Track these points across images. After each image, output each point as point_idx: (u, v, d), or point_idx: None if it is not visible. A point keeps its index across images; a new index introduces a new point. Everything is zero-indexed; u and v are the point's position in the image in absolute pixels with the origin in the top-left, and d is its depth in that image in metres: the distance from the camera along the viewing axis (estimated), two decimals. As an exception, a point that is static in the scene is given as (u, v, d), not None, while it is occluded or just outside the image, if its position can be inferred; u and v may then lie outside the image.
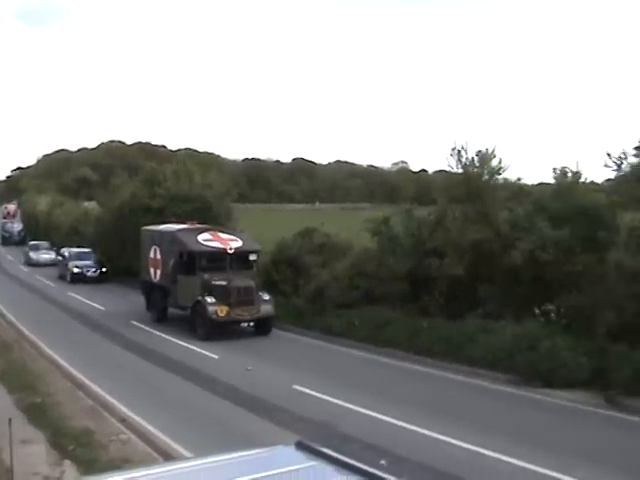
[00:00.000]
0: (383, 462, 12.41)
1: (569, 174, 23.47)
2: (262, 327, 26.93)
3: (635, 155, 22.13)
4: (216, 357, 23.12)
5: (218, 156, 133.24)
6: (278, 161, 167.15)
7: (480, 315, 23.47)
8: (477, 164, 24.92)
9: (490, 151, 24.93)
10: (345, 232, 31.67)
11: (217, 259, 27.96)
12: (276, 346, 25.27)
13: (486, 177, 24.90)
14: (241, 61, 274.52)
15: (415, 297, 25.05)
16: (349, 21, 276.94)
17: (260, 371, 21.07)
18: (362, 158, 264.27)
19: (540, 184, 32.38)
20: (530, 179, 40.83)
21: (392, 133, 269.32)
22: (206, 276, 27.09)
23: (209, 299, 26.13)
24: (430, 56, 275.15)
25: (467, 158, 24.90)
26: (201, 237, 28.56)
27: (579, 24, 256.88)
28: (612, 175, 22.67)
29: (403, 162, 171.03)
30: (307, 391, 18.62)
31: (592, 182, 25.37)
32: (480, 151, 25.00)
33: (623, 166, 21.50)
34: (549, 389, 18.71)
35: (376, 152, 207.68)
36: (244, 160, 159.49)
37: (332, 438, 14.05)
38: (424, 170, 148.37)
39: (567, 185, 23.22)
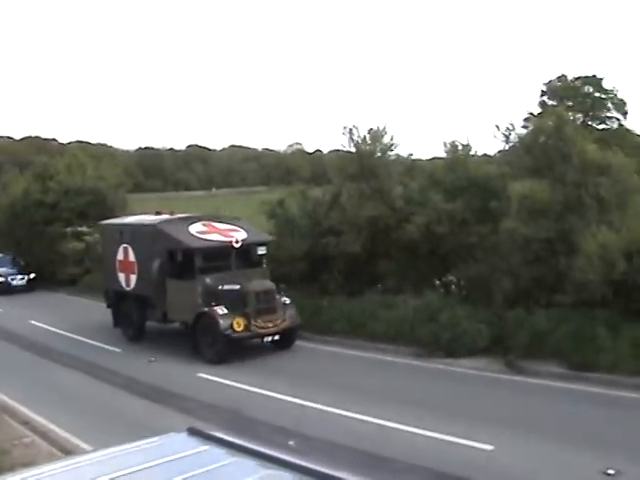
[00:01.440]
0: (292, 443, 12.51)
1: (460, 148, 23.87)
2: (286, 340, 21.58)
3: (523, 127, 22.74)
4: (119, 351, 22.79)
5: (111, 147, 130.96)
6: (172, 149, 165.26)
7: (380, 291, 23.82)
8: (369, 142, 25.09)
9: (381, 129, 25.16)
10: (242, 216, 31.42)
11: (219, 256, 22.13)
12: (176, 334, 24.29)
13: (379, 154, 25.09)
14: (129, 48, 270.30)
15: (315, 277, 25.13)
16: (240, 4, 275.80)
17: (163, 362, 20.85)
18: (257, 142, 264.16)
19: (433, 159, 32.81)
20: (423, 154, 41.40)
21: (286, 115, 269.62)
22: (208, 279, 21.48)
23: (219, 310, 20.57)
24: (319, 37, 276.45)
25: (359, 136, 25.06)
26: (194, 229, 22.59)
27: None
28: (502, 147, 23.24)
29: (298, 144, 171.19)
30: (211, 378, 18.59)
31: (484, 154, 25.96)
32: (372, 129, 25.20)
33: (511, 137, 22.06)
34: (452, 359, 19.10)
35: (271, 135, 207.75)
36: (138, 150, 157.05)
37: (238, 422, 14.08)
38: (319, 151, 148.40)
39: (458, 158, 23.61)
